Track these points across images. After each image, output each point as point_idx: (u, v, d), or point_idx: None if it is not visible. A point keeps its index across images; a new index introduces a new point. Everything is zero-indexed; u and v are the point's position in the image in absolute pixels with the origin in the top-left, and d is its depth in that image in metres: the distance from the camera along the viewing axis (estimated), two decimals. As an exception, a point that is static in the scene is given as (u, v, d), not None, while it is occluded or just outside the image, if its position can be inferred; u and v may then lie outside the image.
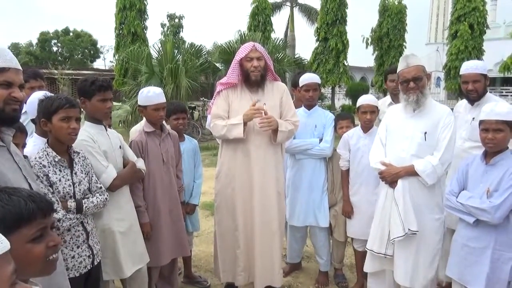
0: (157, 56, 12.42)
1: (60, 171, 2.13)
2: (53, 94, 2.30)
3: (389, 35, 21.82)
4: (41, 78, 3.27)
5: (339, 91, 29.37)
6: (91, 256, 2.27)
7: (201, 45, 12.37)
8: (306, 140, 3.49)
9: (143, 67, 11.50)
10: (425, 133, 2.70)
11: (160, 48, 12.09)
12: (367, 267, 2.97)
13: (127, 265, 2.49)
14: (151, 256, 2.82)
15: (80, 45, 47.11)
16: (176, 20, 30.32)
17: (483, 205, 2.29)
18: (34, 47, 46.72)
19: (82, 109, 2.41)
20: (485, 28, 19.91)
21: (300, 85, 3.60)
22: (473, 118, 3.12)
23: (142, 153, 2.82)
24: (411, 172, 2.67)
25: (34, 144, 2.27)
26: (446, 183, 2.77)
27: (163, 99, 2.85)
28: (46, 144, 2.15)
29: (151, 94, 2.82)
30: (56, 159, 2.11)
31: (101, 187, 2.34)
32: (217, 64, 14.10)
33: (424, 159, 2.67)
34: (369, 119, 3.24)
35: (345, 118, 3.54)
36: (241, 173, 3.10)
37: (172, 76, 10.92)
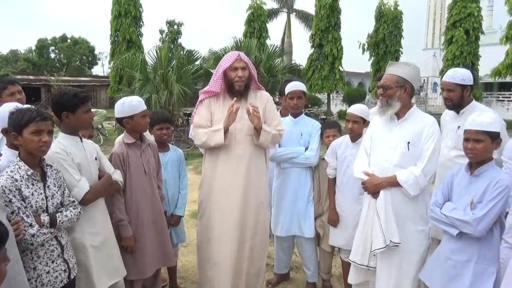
0: (152, 63, 12.39)
1: (33, 184, 2.08)
2: (25, 106, 2.26)
3: (386, 40, 21.88)
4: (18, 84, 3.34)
5: (337, 97, 29.43)
6: (67, 270, 2.22)
7: (195, 50, 12.32)
8: (292, 148, 3.46)
9: (137, 74, 11.47)
10: (408, 143, 2.67)
11: (155, 55, 12.07)
12: (351, 279, 2.93)
13: (101, 280, 2.44)
14: (134, 269, 2.77)
15: (78, 52, 47.29)
16: (175, 27, 30.32)
17: (466, 217, 2.25)
18: (33, 54, 46.83)
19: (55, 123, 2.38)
20: (480, 34, 19.95)
21: (285, 93, 3.57)
22: (459, 127, 3.10)
23: (124, 165, 2.78)
24: (393, 183, 2.64)
25: (4, 157, 2.23)
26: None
27: (144, 106, 2.85)
28: (18, 157, 2.10)
29: (135, 103, 2.79)
30: (29, 173, 2.07)
31: (73, 201, 2.29)
32: (212, 71, 14.04)
33: (407, 170, 2.63)
34: (351, 128, 3.20)
35: (332, 126, 3.51)
36: (221, 183, 3.06)
37: (164, 83, 10.89)
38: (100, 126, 13.57)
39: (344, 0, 19.20)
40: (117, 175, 2.67)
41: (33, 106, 2.23)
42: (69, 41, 47.15)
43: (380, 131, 2.84)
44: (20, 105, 2.33)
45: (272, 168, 3.61)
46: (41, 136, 2.08)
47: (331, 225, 3.37)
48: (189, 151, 10.89)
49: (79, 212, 2.29)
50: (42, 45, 45.92)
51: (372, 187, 2.70)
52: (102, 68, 49.56)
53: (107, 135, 13.69)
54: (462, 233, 2.30)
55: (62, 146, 2.38)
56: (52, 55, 48.06)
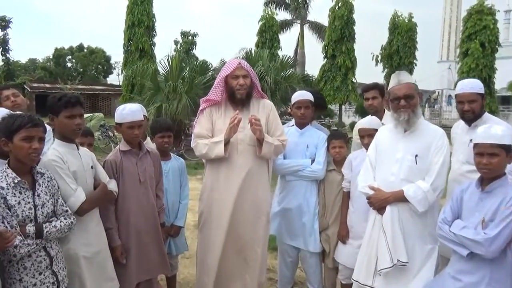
0: (163, 72, 12.45)
1: (20, 193, 2.01)
2: (17, 113, 2.20)
3: (399, 52, 21.69)
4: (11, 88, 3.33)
5: (349, 108, 29.20)
6: (55, 283, 2.13)
7: (207, 61, 12.35)
8: (297, 160, 3.35)
9: (148, 83, 11.52)
10: (416, 156, 2.54)
11: (167, 65, 12.13)
12: (354, 300, 2.77)
13: (95, 292, 2.35)
14: (123, 280, 2.67)
15: (94, 61, 48.06)
16: (190, 38, 30.69)
17: (477, 237, 2.10)
18: (50, 63, 47.79)
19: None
20: (497, 46, 19.63)
21: (292, 102, 3.47)
22: (471, 140, 2.94)
23: (116, 172, 2.70)
24: (400, 198, 2.50)
25: None
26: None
27: (138, 117, 2.74)
28: (6, 165, 2.04)
29: (126, 112, 2.72)
30: (16, 181, 2.00)
31: (67, 210, 2.21)
32: (224, 82, 14.06)
33: (415, 184, 2.50)
34: (366, 144, 3.07)
35: (338, 137, 3.38)
36: (221, 195, 2.97)
37: (175, 92, 10.90)
38: (111, 134, 13.64)
39: (357, 11, 19.10)
40: (113, 185, 2.60)
41: (25, 113, 2.17)
42: (85, 50, 48.01)
43: (386, 142, 2.71)
44: (13, 112, 2.27)
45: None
46: (32, 143, 2.01)
47: (340, 240, 3.23)
48: (198, 161, 10.81)
49: (71, 222, 2.21)
50: (59, 54, 46.82)
51: (378, 202, 2.56)
52: (117, 77, 50.27)
53: (118, 142, 13.73)
54: (472, 253, 2.15)
55: (58, 154, 2.32)
56: (69, 64, 48.95)
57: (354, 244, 3.12)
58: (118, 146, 2.88)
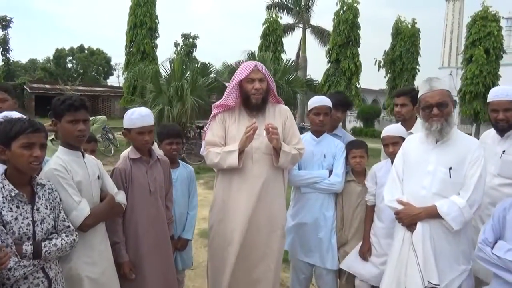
0: (165, 74, 12.26)
1: (18, 207, 1.80)
2: (14, 116, 1.99)
3: (402, 58, 21.61)
4: (5, 91, 3.11)
5: (351, 113, 29.03)
6: (54, 307, 1.91)
7: (209, 63, 12.17)
8: (314, 172, 3.13)
9: (150, 85, 11.32)
10: (450, 168, 2.33)
11: (169, 67, 11.94)
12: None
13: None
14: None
15: (95, 62, 47.92)
16: (190, 40, 30.54)
17: None
18: (51, 64, 47.64)
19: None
20: (501, 53, 19.52)
21: (309, 108, 3.26)
22: (504, 151, 2.74)
23: (126, 182, 2.49)
24: (433, 214, 2.29)
25: None
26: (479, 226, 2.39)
27: (148, 122, 2.54)
28: (3, 175, 1.83)
29: (135, 116, 2.51)
30: (13, 194, 1.78)
31: (69, 226, 2.00)
32: (226, 84, 13.89)
33: (449, 200, 2.29)
34: (392, 152, 2.86)
35: (358, 146, 3.17)
36: (235, 207, 2.77)
37: (178, 95, 10.70)
38: (111, 136, 13.43)
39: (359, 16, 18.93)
40: (121, 197, 2.40)
41: (24, 116, 1.97)
42: (86, 51, 47.84)
43: (415, 153, 2.51)
44: (12, 114, 2.07)
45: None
46: (32, 150, 1.81)
47: (362, 257, 3.01)
48: (200, 165, 10.61)
49: (73, 240, 1.99)
50: (60, 55, 46.64)
51: (408, 219, 2.35)
52: (117, 79, 50.11)
53: (118, 145, 13.53)
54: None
55: (61, 162, 2.11)
56: (69, 65, 48.77)
57: (375, 261, 2.91)
58: (124, 152, 2.66)
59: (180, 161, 3.21)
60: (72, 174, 2.12)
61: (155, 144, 3.21)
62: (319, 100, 3.22)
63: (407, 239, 2.37)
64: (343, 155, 3.18)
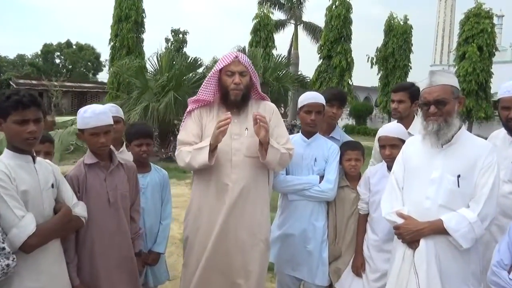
0: (152, 70, 11.83)
1: None
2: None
3: (395, 55, 21.45)
4: None
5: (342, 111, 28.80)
6: None
7: (197, 58, 11.73)
8: (303, 177, 2.79)
9: (135, 81, 10.88)
10: (459, 176, 2.00)
11: (156, 62, 11.50)
12: None
13: None
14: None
15: (83, 58, 47.13)
16: (180, 36, 30.01)
17: None
18: (39, 59, 46.85)
19: None
20: (494, 50, 19.40)
21: (300, 105, 2.90)
22: (516, 156, 2.43)
23: (79, 191, 2.13)
24: (438, 230, 1.97)
25: None
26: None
27: (104, 121, 2.16)
28: None
29: (88, 115, 2.14)
30: None
31: (4, 248, 1.64)
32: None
33: (457, 213, 1.97)
34: (389, 155, 2.54)
35: (354, 148, 2.83)
36: (211, 217, 2.43)
37: (163, 91, 10.29)
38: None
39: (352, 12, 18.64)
40: (80, 209, 2.05)
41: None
42: (74, 47, 47.00)
43: (418, 158, 2.18)
44: None
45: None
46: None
47: (355, 273, 2.69)
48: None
49: (7, 265, 1.63)
50: (47, 50, 45.73)
51: (410, 235, 2.02)
52: (107, 75, 49.44)
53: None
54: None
55: (4, 168, 1.76)
56: (57, 61, 47.90)
57: (370, 277, 2.59)
58: (83, 158, 2.29)
59: (152, 164, 2.84)
60: (16, 183, 1.77)
61: (124, 146, 2.86)
62: (311, 97, 2.87)
63: (408, 257, 2.04)
64: (337, 158, 2.84)
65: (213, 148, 2.34)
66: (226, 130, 2.30)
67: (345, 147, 2.84)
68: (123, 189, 2.30)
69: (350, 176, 2.84)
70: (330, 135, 3.07)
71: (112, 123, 2.22)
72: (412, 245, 2.03)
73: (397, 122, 3.08)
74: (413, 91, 3.00)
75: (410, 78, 23.06)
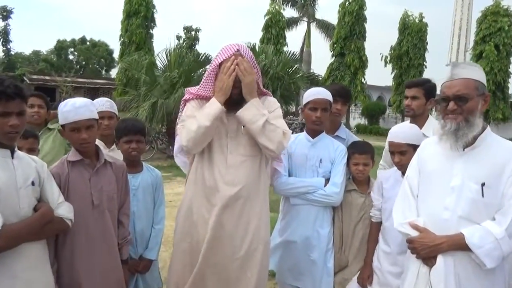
0: (161, 66, 11.70)
1: None
2: None
3: (409, 53, 20.98)
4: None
5: (355, 109, 28.39)
6: None
7: (207, 54, 11.53)
8: (306, 179, 2.58)
9: (144, 77, 10.75)
10: (483, 184, 1.76)
11: (165, 58, 11.36)
12: None
13: None
14: None
15: (96, 54, 47.36)
16: (192, 33, 29.91)
17: None
18: (53, 55, 47.26)
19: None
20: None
21: (305, 101, 2.68)
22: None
23: (61, 191, 1.94)
24: (459, 245, 1.73)
25: None
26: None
27: (84, 115, 1.96)
28: None
29: (67, 109, 1.96)
30: None
31: None
32: (226, 77, 13.29)
33: (481, 227, 1.72)
34: (398, 163, 2.31)
35: (362, 151, 2.60)
36: (203, 218, 2.22)
37: (171, 87, 10.12)
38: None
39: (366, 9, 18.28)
40: (64, 210, 1.86)
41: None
42: (88, 43, 47.27)
43: (435, 163, 1.93)
44: None
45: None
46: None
47: (360, 284, 2.47)
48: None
49: None
50: (61, 46, 46.03)
51: (426, 250, 1.79)
52: (120, 72, 49.53)
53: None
54: None
55: None
56: (71, 57, 48.22)
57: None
58: (66, 154, 2.10)
59: (144, 164, 2.64)
60: None
61: (114, 145, 2.68)
62: (316, 92, 2.64)
63: (422, 276, 1.81)
64: (344, 160, 2.62)
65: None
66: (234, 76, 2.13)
67: (352, 150, 2.62)
68: (110, 190, 2.10)
69: (357, 179, 2.62)
70: (335, 134, 2.86)
71: (96, 117, 2.03)
72: (428, 261, 1.80)
73: (410, 121, 2.86)
74: (428, 88, 2.77)
75: (428, 77, 22.57)
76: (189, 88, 2.40)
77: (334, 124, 2.86)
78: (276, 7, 18.14)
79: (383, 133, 21.82)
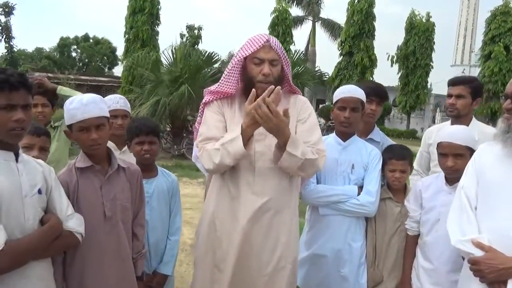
0: (167, 63, 11.47)
1: None
2: None
3: (416, 53, 20.76)
4: None
5: (361, 110, 28.10)
6: None
7: (213, 52, 11.30)
8: (337, 187, 2.33)
9: (149, 74, 10.51)
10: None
11: (170, 55, 11.13)
12: None
13: None
14: None
15: (100, 52, 47.23)
16: (195, 31, 29.73)
17: None
18: (56, 52, 47.18)
19: None
20: (522, 50, 18.61)
21: (334, 99, 2.43)
22: None
23: (69, 201, 1.70)
24: None
25: None
26: None
27: (94, 112, 1.72)
28: None
29: (75, 106, 1.71)
30: None
31: None
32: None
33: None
34: (452, 167, 2.05)
35: (400, 157, 2.35)
36: (227, 235, 1.99)
37: (176, 84, 9.88)
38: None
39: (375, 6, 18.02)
40: (75, 223, 1.63)
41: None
42: (91, 40, 47.10)
43: (496, 171, 1.69)
44: None
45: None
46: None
47: None
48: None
49: None
50: (64, 44, 45.89)
51: (494, 274, 1.54)
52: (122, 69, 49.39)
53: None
54: None
55: None
56: (74, 54, 48.07)
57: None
58: (74, 160, 1.86)
59: (159, 168, 2.39)
60: None
61: (125, 147, 2.43)
62: (346, 90, 2.39)
63: (489, 303, 1.57)
64: (378, 165, 2.38)
65: (247, 135, 1.86)
66: (271, 110, 1.77)
67: (389, 155, 2.38)
68: (124, 199, 1.86)
69: (393, 187, 2.38)
70: (368, 137, 2.61)
71: (107, 115, 1.78)
72: (496, 286, 1.55)
73: (452, 122, 2.62)
74: (475, 86, 2.54)
75: (431, 78, 22.34)
76: (209, 88, 2.15)
77: (367, 126, 2.61)
78: (283, 5, 17.87)
79: (389, 134, 21.46)
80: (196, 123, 2.23)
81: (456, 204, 1.79)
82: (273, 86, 1.82)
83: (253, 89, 1.84)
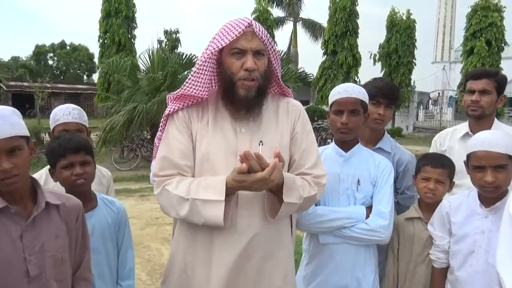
0: (144, 68, 10.92)
1: None
2: None
3: (398, 51, 20.63)
4: None
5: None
6: None
7: (193, 55, 10.76)
8: (340, 209, 1.87)
9: (126, 80, 9.93)
10: None
11: (147, 60, 10.57)
12: None
13: None
14: None
15: (77, 59, 46.32)
16: (173, 35, 29.28)
17: None
18: (32, 61, 46.14)
19: None
20: (503, 45, 18.67)
21: (329, 101, 1.97)
22: None
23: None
24: None
25: None
26: None
27: (1, 132, 1.22)
28: None
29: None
30: None
31: None
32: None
33: None
34: (493, 183, 1.59)
35: (437, 165, 1.90)
36: (205, 281, 1.50)
37: (155, 90, 9.34)
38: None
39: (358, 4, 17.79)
40: None
41: None
42: (68, 47, 46.07)
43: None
44: None
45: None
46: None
47: None
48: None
49: None
50: (40, 52, 44.80)
51: None
52: (100, 76, 48.51)
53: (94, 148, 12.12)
54: None
55: None
56: (50, 62, 46.97)
57: None
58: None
59: (98, 195, 1.82)
60: None
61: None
62: (342, 90, 1.91)
63: None
64: (390, 179, 1.91)
65: (230, 193, 1.41)
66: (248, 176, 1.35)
67: (424, 161, 1.94)
68: (57, 248, 1.35)
69: (425, 203, 1.93)
70: (377, 146, 2.14)
71: (25, 133, 1.28)
72: None
73: (471, 124, 2.20)
74: (500, 80, 2.14)
75: (415, 75, 22.25)
76: (172, 94, 1.64)
77: (375, 133, 2.14)
78: (263, 5, 17.46)
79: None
80: (156, 137, 1.72)
81: (507, 236, 1.34)
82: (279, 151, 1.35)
83: (244, 164, 1.33)
